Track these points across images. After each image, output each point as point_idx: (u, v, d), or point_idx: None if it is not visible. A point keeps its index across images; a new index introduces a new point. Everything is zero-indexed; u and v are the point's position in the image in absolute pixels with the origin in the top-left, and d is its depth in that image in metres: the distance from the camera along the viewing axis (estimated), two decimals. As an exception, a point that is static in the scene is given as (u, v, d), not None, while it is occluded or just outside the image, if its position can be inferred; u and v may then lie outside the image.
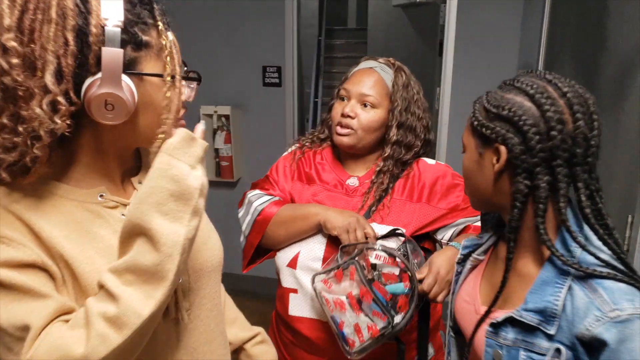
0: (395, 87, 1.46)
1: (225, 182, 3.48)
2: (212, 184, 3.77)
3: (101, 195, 0.88)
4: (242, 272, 1.55)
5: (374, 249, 1.30)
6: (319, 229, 1.42)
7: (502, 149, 0.90)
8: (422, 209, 1.45)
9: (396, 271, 1.29)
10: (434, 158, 1.57)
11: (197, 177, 0.79)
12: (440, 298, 1.30)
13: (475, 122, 0.95)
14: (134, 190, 0.94)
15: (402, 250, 1.34)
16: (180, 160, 0.78)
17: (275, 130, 3.38)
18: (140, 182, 0.95)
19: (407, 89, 1.47)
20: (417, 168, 1.50)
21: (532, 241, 0.94)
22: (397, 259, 1.30)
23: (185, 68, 0.90)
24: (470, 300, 1.07)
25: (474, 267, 1.12)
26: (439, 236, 1.49)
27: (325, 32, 6.84)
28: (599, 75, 1.95)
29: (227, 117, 3.34)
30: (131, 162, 0.96)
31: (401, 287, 1.27)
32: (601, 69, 1.94)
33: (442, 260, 1.33)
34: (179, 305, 0.93)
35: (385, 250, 1.30)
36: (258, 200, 1.51)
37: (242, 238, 1.54)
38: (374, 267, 1.30)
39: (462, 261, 1.15)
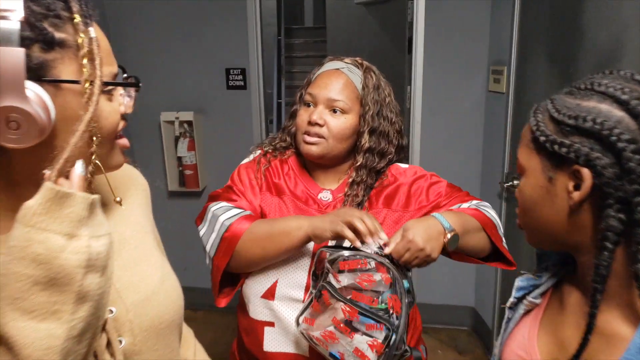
0: (366, 90, 1.33)
1: (190, 192, 3.32)
2: (176, 194, 3.62)
3: None
4: (218, 306, 1.34)
5: (338, 259, 1.14)
6: (304, 244, 1.25)
7: (585, 172, 0.69)
8: (402, 216, 1.34)
9: (373, 272, 1.13)
10: (407, 160, 1.47)
11: (79, 250, 0.59)
12: (415, 263, 1.16)
13: (543, 138, 0.74)
14: None
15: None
16: (47, 230, 0.57)
17: (242, 134, 3.24)
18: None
19: (378, 91, 1.34)
20: (391, 174, 1.39)
21: (622, 292, 0.73)
22: (366, 258, 1.13)
23: (125, 74, 0.74)
24: (526, 356, 0.87)
25: (527, 312, 0.91)
26: None
27: (284, 31, 6.74)
28: (577, 69, 1.91)
29: (189, 123, 3.17)
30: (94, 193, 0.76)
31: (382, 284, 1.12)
32: (579, 63, 1.90)
33: (420, 229, 1.17)
34: None
35: (351, 255, 1.13)
36: (225, 214, 1.29)
37: (207, 261, 1.33)
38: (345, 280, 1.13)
39: (514, 305, 0.94)
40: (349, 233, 1.14)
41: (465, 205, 1.36)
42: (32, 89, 0.60)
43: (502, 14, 2.66)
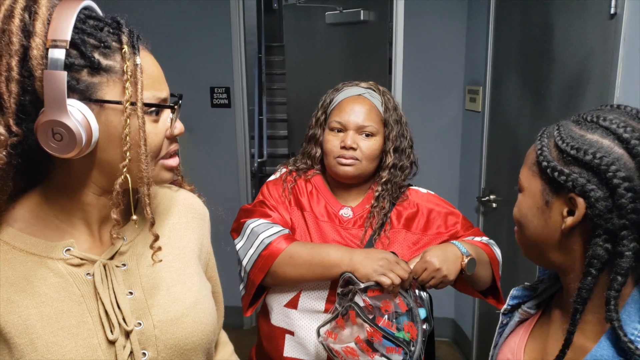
0: (388, 112, 1.43)
1: (175, 208, 3.36)
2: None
3: (67, 250, 0.79)
4: (244, 315, 1.42)
5: (369, 287, 1.25)
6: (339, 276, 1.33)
7: (580, 201, 0.73)
8: (420, 238, 1.44)
9: (389, 297, 1.26)
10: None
11: None
12: (431, 284, 1.29)
13: (545, 163, 0.77)
14: (110, 245, 0.84)
15: None
16: None
17: (226, 152, 3.31)
18: (118, 236, 0.83)
19: (396, 112, 1.45)
20: (410, 197, 1.48)
21: (596, 312, 0.77)
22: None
23: (180, 101, 0.83)
24: (512, 358, 0.93)
25: (523, 321, 0.96)
26: None
27: (264, 49, 6.85)
28: (547, 91, 2.03)
29: (174, 140, 3.23)
30: (119, 207, 0.81)
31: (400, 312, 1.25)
32: (549, 85, 2.02)
33: (437, 251, 1.30)
34: None
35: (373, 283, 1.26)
36: (265, 232, 1.36)
37: (242, 273, 1.40)
38: (372, 303, 1.25)
39: (508, 312, 1.00)
40: (387, 284, 1.23)
41: (477, 239, 1.46)
42: (77, 107, 0.70)
43: (477, 37, 2.79)
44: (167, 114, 0.81)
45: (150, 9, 3.09)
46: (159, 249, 0.86)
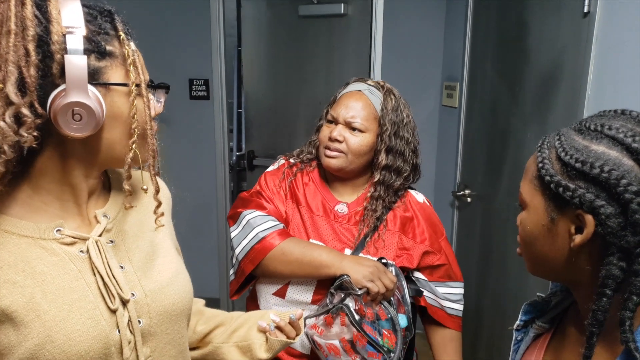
0: (384, 111, 1.44)
1: (151, 200, 3.33)
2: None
3: (58, 230, 0.82)
4: (230, 299, 1.47)
5: (363, 293, 1.30)
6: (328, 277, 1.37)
7: (589, 218, 0.67)
8: (413, 245, 1.46)
9: (371, 305, 1.32)
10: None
11: None
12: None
13: (548, 178, 0.71)
14: (97, 224, 0.87)
15: None
16: None
17: (204, 144, 3.29)
18: (105, 216, 0.88)
19: (396, 112, 1.45)
20: (408, 202, 1.50)
21: (611, 330, 0.71)
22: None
23: (154, 84, 0.88)
24: None
25: (538, 336, 0.90)
26: (416, 274, 1.50)
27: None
28: (522, 87, 2.07)
29: (152, 132, 3.20)
30: (99, 186, 0.90)
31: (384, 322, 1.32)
32: (524, 81, 2.05)
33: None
34: (138, 352, 0.86)
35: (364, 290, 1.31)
36: (260, 226, 1.40)
37: (233, 260, 1.44)
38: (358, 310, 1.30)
39: (521, 328, 0.94)
40: (375, 291, 1.30)
41: (446, 304, 1.51)
42: (91, 89, 0.75)
43: (455, 34, 2.83)
44: (149, 95, 0.86)
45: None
46: (162, 214, 0.93)
